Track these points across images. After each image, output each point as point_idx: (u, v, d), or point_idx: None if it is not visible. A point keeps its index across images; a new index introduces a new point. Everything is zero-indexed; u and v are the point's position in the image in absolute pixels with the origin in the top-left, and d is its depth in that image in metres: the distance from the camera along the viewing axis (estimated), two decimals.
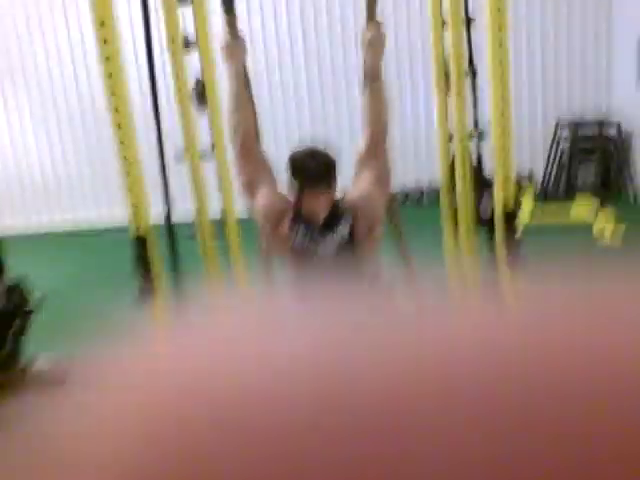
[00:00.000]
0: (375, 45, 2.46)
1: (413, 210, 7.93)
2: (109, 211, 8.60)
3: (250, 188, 2.48)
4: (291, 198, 2.49)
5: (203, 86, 3.21)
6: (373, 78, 2.44)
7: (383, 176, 2.49)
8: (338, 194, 2.50)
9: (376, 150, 2.48)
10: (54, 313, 4.68)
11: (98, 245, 7.75)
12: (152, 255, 2.25)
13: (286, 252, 2.45)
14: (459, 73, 3.02)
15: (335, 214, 2.42)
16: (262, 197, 2.44)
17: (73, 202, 8.70)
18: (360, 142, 2.52)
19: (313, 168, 2.41)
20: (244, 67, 2.56)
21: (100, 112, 8.21)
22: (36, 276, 5.66)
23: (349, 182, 2.54)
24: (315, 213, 2.41)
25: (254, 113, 2.55)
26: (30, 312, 3.72)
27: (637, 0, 6.99)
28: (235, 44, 2.50)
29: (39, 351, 3.94)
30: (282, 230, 2.41)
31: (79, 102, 8.33)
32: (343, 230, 2.39)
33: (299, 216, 2.42)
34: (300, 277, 2.48)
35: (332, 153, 2.49)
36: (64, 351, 4.12)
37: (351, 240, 2.39)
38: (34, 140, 8.56)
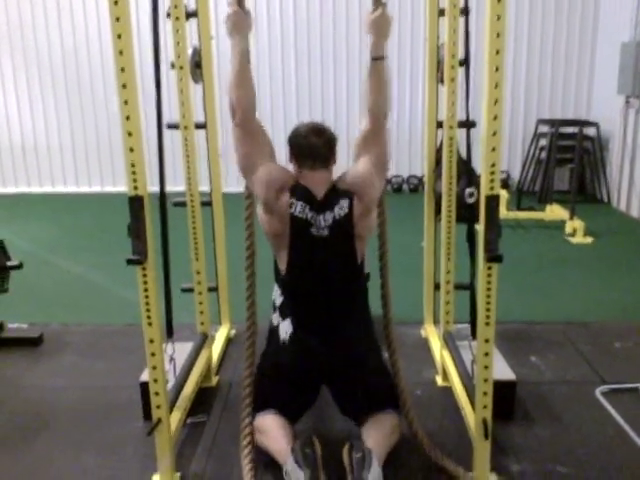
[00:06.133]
0: (381, 25, 2.45)
1: (394, 197, 8.05)
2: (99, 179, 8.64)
3: (249, 161, 2.49)
4: (292, 171, 2.54)
5: (200, 55, 3.25)
6: (377, 57, 2.44)
7: (382, 160, 2.54)
8: (335, 175, 2.55)
9: (377, 135, 2.52)
10: (33, 276, 4.72)
11: (83, 210, 7.78)
12: (148, 214, 2.30)
13: (283, 226, 2.46)
14: (453, 61, 3.11)
15: (334, 192, 2.47)
16: (265, 167, 2.48)
17: (62, 170, 8.67)
18: (361, 126, 2.54)
19: (315, 145, 2.46)
20: (247, 43, 2.46)
21: (83, 79, 8.25)
22: (15, 238, 5.68)
23: (346, 163, 2.58)
24: (314, 189, 2.46)
25: (254, 89, 2.51)
26: (8, 270, 3.74)
27: (622, 9, 7.15)
28: (240, 16, 2.41)
29: (16, 312, 3.99)
30: (282, 201, 2.44)
31: (69, 66, 8.27)
32: (342, 207, 2.44)
33: (298, 190, 2.46)
34: (296, 253, 2.49)
35: (332, 130, 2.54)
36: (42, 314, 4.20)
37: (348, 218, 2.44)
38: (16, 105, 8.49)
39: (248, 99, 2.47)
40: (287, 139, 2.54)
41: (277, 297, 2.59)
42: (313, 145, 2.47)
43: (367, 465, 2.25)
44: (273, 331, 2.59)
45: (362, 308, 2.63)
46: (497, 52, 2.19)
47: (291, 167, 2.56)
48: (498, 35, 2.18)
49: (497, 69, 2.20)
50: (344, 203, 2.44)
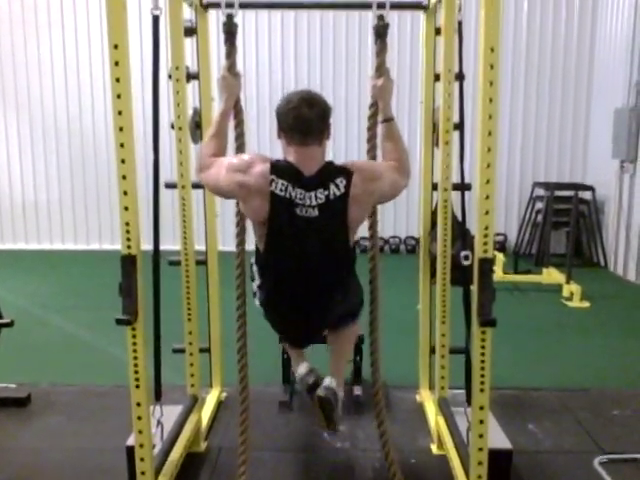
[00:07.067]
0: (386, 91, 2.57)
1: (391, 258, 8.02)
2: (89, 237, 8.64)
3: (215, 179, 2.43)
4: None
5: (200, 115, 3.29)
6: (388, 119, 2.56)
7: (397, 185, 2.49)
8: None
9: (403, 170, 2.52)
10: (25, 333, 4.65)
11: (81, 267, 7.74)
12: (140, 273, 2.28)
13: (265, 204, 2.28)
14: (448, 124, 3.14)
15: (329, 169, 2.33)
16: (223, 163, 2.41)
17: (61, 228, 8.67)
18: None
19: (307, 118, 2.28)
20: (238, 101, 2.60)
21: (87, 137, 8.34)
22: (10, 295, 5.65)
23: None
24: (303, 166, 2.30)
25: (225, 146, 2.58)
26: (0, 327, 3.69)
27: (615, 76, 7.31)
28: (228, 80, 2.53)
29: (5, 371, 3.92)
30: (256, 172, 2.28)
31: (68, 129, 8.38)
32: (338, 187, 2.28)
33: (280, 166, 2.30)
34: (276, 236, 2.34)
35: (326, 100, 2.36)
36: (31, 373, 4.13)
37: (343, 200, 2.28)
38: (18, 164, 8.56)
39: (218, 150, 2.53)
40: (275, 110, 2.38)
41: (256, 276, 2.55)
42: (305, 117, 2.28)
43: (335, 404, 2.51)
44: (254, 293, 2.62)
45: (348, 289, 2.57)
46: (490, 117, 2.22)
47: (279, 143, 2.42)
48: (491, 100, 2.21)
49: (490, 133, 2.23)
50: (341, 182, 2.28)
